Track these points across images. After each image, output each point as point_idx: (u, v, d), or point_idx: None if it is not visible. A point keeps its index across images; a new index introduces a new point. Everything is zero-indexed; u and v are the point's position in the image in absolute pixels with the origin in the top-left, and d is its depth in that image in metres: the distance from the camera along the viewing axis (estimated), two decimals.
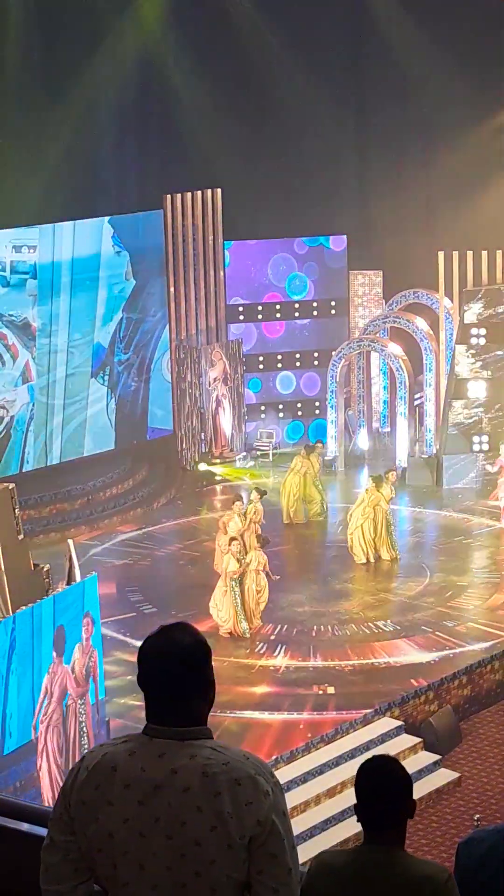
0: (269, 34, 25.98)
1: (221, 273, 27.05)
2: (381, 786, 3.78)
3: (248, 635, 17.91)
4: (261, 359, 27.84)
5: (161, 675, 3.40)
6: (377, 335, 26.52)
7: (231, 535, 18.38)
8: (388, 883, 3.67)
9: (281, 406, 28.02)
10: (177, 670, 3.40)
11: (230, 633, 17.89)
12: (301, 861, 3.49)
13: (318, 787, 14.76)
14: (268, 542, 18.58)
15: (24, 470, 23.74)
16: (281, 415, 27.98)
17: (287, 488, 22.72)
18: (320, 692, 16.43)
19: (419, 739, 15.86)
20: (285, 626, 18.37)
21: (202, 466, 26.12)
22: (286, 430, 27.99)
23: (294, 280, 27.82)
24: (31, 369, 24.04)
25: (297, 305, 27.95)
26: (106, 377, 25.52)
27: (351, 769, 14.87)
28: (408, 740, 15.77)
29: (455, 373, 25.15)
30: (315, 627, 18.33)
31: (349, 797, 14.55)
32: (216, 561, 18.77)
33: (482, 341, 25.08)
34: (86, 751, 3.60)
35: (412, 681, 16.68)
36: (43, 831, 3.60)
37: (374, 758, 3.88)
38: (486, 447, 24.74)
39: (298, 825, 13.73)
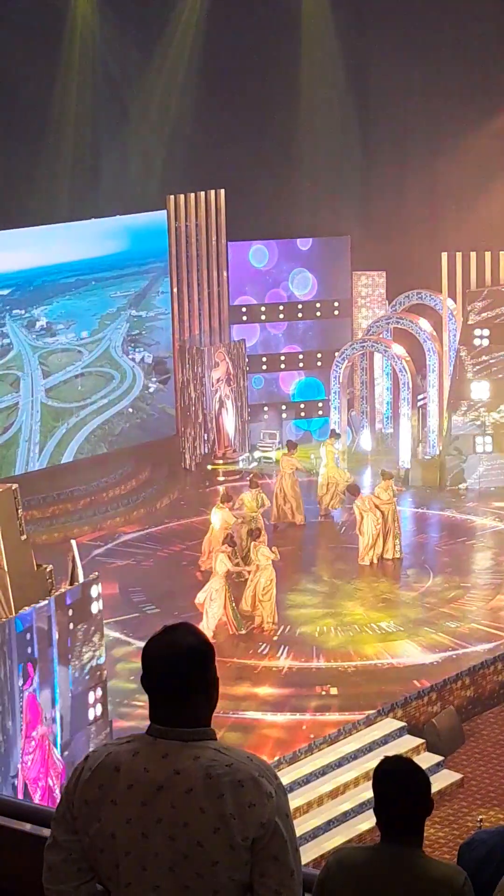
0: (273, 32, 25.99)
1: (225, 273, 27.04)
2: (400, 787, 3.78)
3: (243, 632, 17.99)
4: (264, 359, 27.83)
5: (166, 674, 3.40)
6: (380, 336, 26.50)
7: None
8: (406, 883, 3.67)
9: (284, 406, 28.00)
10: (182, 669, 3.39)
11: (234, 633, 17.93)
12: (305, 862, 3.49)
13: (322, 789, 14.76)
14: (259, 533, 18.74)
15: (28, 470, 23.74)
16: (284, 415, 27.96)
17: (275, 491, 22.65)
18: (323, 693, 16.43)
19: (422, 740, 15.85)
20: (288, 627, 18.37)
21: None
22: (289, 430, 27.97)
23: (297, 281, 27.80)
24: (36, 368, 24.02)
25: (300, 306, 27.93)
26: (120, 376, 25.51)
27: (354, 770, 14.90)
28: (411, 741, 15.76)
29: (458, 374, 25.14)
30: (318, 628, 18.33)
31: (352, 798, 14.67)
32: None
33: (485, 342, 25.07)
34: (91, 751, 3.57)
35: (415, 682, 16.67)
36: (46, 831, 3.60)
37: (392, 758, 3.88)
38: (489, 448, 24.74)
39: (301, 826, 13.73)
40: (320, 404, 27.72)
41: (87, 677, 12.84)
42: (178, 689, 3.39)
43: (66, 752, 12.47)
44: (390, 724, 15.91)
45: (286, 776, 14.30)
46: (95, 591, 13.06)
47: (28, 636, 11.95)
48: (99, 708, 13.00)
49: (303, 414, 28.07)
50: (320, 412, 27.69)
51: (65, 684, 12.48)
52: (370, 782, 3.88)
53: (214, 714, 3.48)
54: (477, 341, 25.11)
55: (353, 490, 21.26)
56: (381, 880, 3.69)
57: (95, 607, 12.97)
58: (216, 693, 3.46)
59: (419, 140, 26.87)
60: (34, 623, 12.04)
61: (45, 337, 24.19)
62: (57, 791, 12.02)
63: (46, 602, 12.33)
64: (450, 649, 17.59)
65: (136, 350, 25.89)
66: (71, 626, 12.55)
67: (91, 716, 12.90)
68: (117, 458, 25.27)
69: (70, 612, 12.56)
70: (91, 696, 12.89)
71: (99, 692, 13.04)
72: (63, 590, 13.14)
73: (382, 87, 26.66)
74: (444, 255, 25.35)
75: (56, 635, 12.36)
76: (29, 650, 11.97)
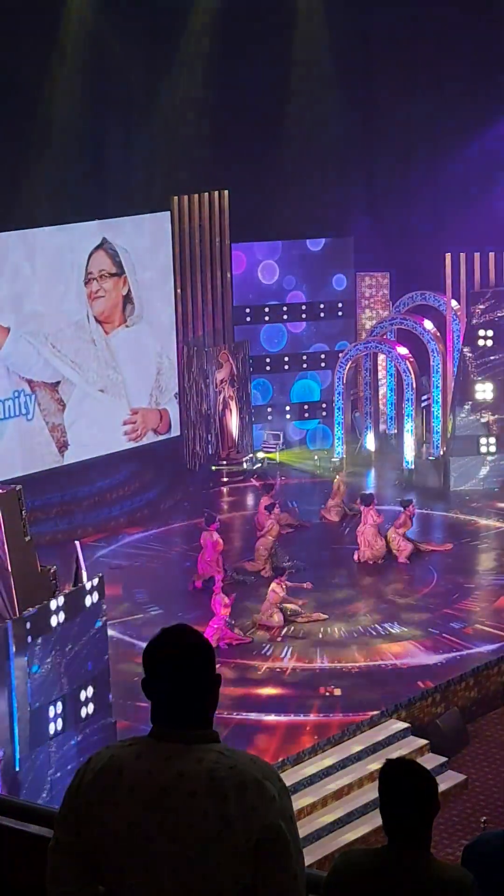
0: (277, 34, 26.00)
1: (228, 275, 27.02)
2: (407, 789, 3.77)
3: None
4: (268, 360, 27.82)
5: (171, 674, 3.40)
6: (384, 337, 26.50)
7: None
8: (414, 885, 3.66)
9: (287, 408, 28.00)
10: (186, 669, 3.40)
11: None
12: (309, 863, 3.48)
13: (325, 790, 14.75)
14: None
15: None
16: (288, 416, 27.95)
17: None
18: (327, 694, 16.42)
19: (426, 741, 15.84)
20: (292, 628, 18.36)
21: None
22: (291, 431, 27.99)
23: (300, 282, 27.77)
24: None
25: (304, 307, 27.91)
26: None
27: (358, 772, 14.89)
28: (414, 742, 15.75)
29: (462, 374, 25.14)
30: (322, 629, 18.33)
31: (356, 799, 14.67)
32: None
33: (489, 343, 25.07)
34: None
35: (419, 683, 16.67)
36: (50, 833, 3.60)
37: (396, 761, 3.87)
38: (493, 448, 24.73)
39: (305, 828, 13.72)
40: (324, 405, 27.72)
41: (46, 692, 12.59)
42: (183, 688, 3.39)
43: (24, 767, 12.28)
44: (394, 725, 15.90)
45: (290, 777, 14.30)
46: (55, 604, 12.75)
47: None
48: (60, 723, 12.75)
49: (306, 415, 28.06)
50: (324, 413, 27.68)
51: (23, 699, 12.25)
52: (374, 783, 3.89)
53: (218, 715, 3.48)
54: (481, 342, 25.11)
55: (367, 500, 21.25)
56: (388, 883, 3.68)
57: (55, 620, 12.68)
58: (217, 692, 3.47)
59: (423, 141, 26.87)
60: None
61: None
62: None
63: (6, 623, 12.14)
64: (454, 650, 17.59)
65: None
66: (28, 639, 12.32)
67: (51, 730, 12.65)
68: (121, 460, 25.26)
69: (27, 626, 12.30)
70: (51, 711, 12.65)
71: (59, 707, 12.77)
72: (67, 591, 13.15)
73: (387, 89, 26.65)
74: (448, 256, 25.33)
75: (13, 649, 12.15)
76: None
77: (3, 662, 12.03)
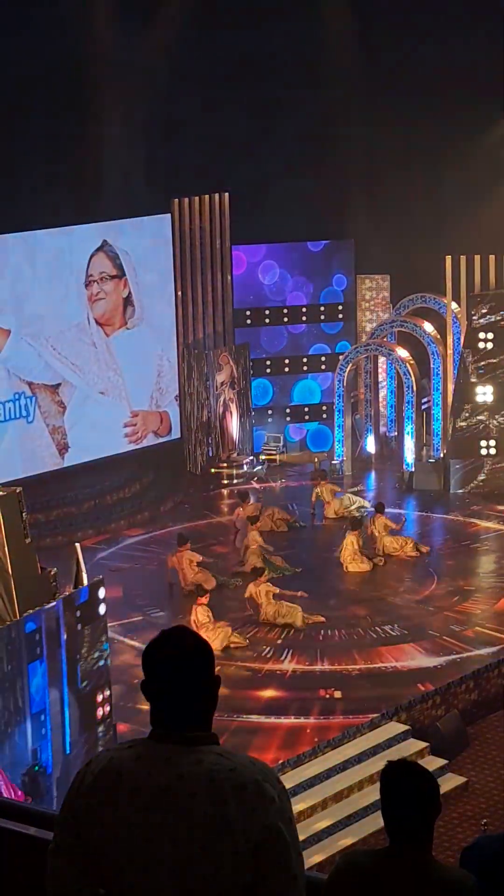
0: (279, 37, 26.01)
1: (229, 277, 27.04)
2: (409, 790, 3.77)
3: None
4: (268, 363, 27.83)
5: (170, 676, 3.40)
6: (384, 339, 26.51)
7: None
8: (416, 886, 3.67)
9: (288, 410, 28.01)
10: (186, 670, 3.40)
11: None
12: (308, 865, 3.48)
13: (325, 792, 14.74)
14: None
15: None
16: (288, 418, 27.97)
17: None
18: (327, 696, 16.42)
19: (426, 744, 15.83)
20: (292, 631, 18.35)
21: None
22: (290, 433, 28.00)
23: (301, 284, 27.79)
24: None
25: (304, 309, 27.93)
26: None
27: (358, 774, 14.87)
28: (415, 745, 15.74)
29: (462, 377, 25.15)
30: (322, 632, 18.32)
31: (356, 802, 14.65)
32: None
33: (489, 345, 25.08)
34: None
35: (419, 685, 16.66)
36: (50, 835, 3.60)
37: (397, 762, 3.87)
38: (493, 451, 24.74)
39: (305, 830, 13.71)
40: (324, 408, 27.74)
41: (94, 677, 12.95)
42: (183, 689, 3.39)
43: (73, 751, 12.52)
44: (394, 728, 15.90)
45: (290, 780, 14.28)
46: (102, 592, 13.20)
47: (37, 637, 12.08)
48: (107, 707, 13.17)
49: (307, 417, 28.07)
50: (324, 416, 27.69)
51: (73, 684, 12.58)
52: (374, 786, 3.91)
53: (218, 717, 3.48)
54: (481, 344, 25.13)
55: (356, 524, 21.24)
56: (390, 884, 3.69)
57: (102, 608, 13.12)
58: (217, 694, 3.47)
59: (424, 144, 26.85)
60: (43, 624, 12.16)
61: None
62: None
63: (55, 603, 12.46)
64: (454, 652, 17.59)
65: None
66: (79, 626, 12.67)
67: (99, 714, 13.06)
68: (121, 462, 25.27)
69: (78, 613, 12.67)
70: (99, 696, 13.06)
71: (107, 692, 13.19)
72: (67, 593, 13.18)
73: (388, 91, 26.64)
74: (448, 259, 25.34)
75: (65, 636, 12.47)
76: (38, 650, 12.08)
77: (55, 649, 12.32)
